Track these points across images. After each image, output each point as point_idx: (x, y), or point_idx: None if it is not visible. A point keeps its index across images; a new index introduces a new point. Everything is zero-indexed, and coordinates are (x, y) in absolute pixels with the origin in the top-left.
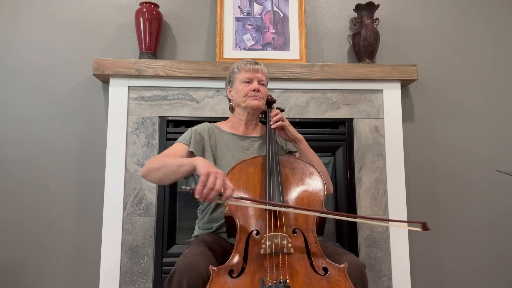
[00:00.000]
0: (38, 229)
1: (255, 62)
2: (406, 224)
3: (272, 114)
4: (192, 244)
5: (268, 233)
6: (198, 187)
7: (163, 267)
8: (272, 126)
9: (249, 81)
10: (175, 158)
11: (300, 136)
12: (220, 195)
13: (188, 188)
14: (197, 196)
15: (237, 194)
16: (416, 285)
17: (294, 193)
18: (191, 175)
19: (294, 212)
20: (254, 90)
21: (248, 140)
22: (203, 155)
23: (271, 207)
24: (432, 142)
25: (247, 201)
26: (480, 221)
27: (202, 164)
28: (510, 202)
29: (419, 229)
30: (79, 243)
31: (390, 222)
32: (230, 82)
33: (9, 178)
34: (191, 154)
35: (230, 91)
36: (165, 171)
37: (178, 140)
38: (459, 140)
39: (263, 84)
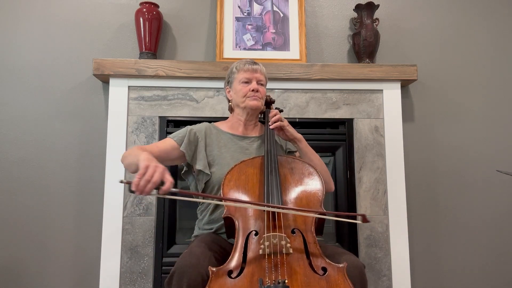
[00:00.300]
0: (38, 229)
1: (253, 62)
2: (348, 217)
3: (270, 114)
4: (192, 244)
5: (267, 233)
6: (135, 179)
7: (163, 267)
8: (271, 127)
9: (247, 81)
10: (141, 151)
11: (299, 136)
12: (158, 188)
13: (124, 181)
14: (133, 188)
15: (235, 196)
16: (416, 285)
17: (292, 193)
18: (190, 174)
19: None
20: (253, 90)
21: (247, 140)
22: (195, 156)
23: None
24: (432, 142)
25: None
26: (480, 221)
27: (143, 159)
28: (510, 202)
29: (360, 222)
30: (79, 243)
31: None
32: (229, 83)
33: (9, 178)
34: (181, 153)
35: (229, 91)
36: (128, 161)
37: (171, 135)
38: (459, 140)
39: (262, 84)
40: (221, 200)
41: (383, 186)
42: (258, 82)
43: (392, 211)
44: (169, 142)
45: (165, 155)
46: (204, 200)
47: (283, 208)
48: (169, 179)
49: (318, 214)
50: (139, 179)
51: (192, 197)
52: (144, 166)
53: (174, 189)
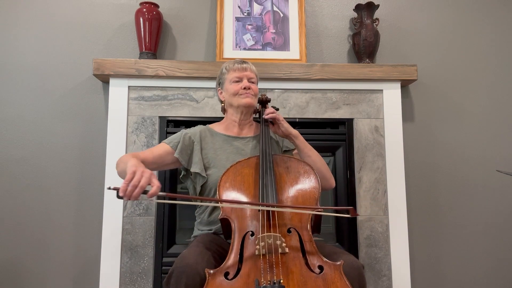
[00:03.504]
0: (38, 229)
1: (243, 61)
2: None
3: (266, 111)
4: (191, 244)
5: (262, 233)
6: (123, 185)
7: (163, 267)
8: (265, 116)
9: (238, 80)
10: (130, 157)
11: (295, 132)
12: (145, 193)
13: (112, 187)
14: (121, 194)
15: (231, 197)
16: (416, 285)
17: (288, 192)
18: (188, 177)
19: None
20: (244, 88)
21: (242, 140)
22: (190, 159)
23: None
24: (432, 142)
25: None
26: (480, 221)
27: (130, 165)
28: (510, 202)
29: (348, 215)
30: (79, 243)
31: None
32: (220, 84)
33: (9, 178)
34: (175, 158)
35: (221, 92)
36: (120, 168)
37: (165, 140)
38: (459, 140)
39: (253, 82)
40: (217, 202)
41: (383, 186)
42: (249, 80)
43: (392, 211)
44: (163, 147)
45: (160, 161)
46: (198, 203)
47: (277, 207)
48: (155, 183)
49: (310, 210)
50: (126, 184)
51: (183, 200)
52: (131, 171)
53: (161, 193)
